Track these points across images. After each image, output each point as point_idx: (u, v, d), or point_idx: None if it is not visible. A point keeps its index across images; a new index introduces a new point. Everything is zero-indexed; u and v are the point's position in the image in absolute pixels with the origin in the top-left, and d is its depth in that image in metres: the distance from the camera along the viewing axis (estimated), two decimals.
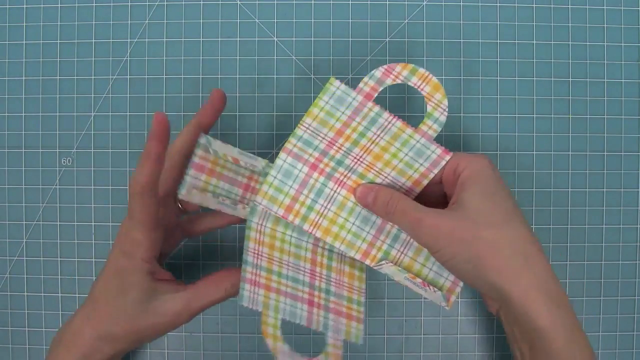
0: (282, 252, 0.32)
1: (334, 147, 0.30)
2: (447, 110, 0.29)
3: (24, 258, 0.36)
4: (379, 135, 0.29)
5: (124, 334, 0.28)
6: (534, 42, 0.36)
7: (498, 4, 0.36)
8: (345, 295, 0.32)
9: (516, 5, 0.36)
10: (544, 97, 0.36)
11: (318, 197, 0.30)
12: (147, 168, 0.26)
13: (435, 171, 0.29)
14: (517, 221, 0.27)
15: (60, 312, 0.36)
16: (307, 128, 0.29)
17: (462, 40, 0.36)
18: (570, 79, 0.36)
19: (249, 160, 0.30)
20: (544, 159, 0.36)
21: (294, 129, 0.29)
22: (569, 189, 0.36)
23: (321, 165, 0.30)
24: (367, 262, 0.31)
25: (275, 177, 0.30)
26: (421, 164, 0.29)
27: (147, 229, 0.28)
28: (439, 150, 0.29)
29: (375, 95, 0.29)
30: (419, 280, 0.30)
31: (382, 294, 0.36)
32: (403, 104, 0.36)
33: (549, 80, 0.36)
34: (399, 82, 0.29)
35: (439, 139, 0.36)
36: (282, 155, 0.30)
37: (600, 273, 0.36)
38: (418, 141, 0.29)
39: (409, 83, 0.29)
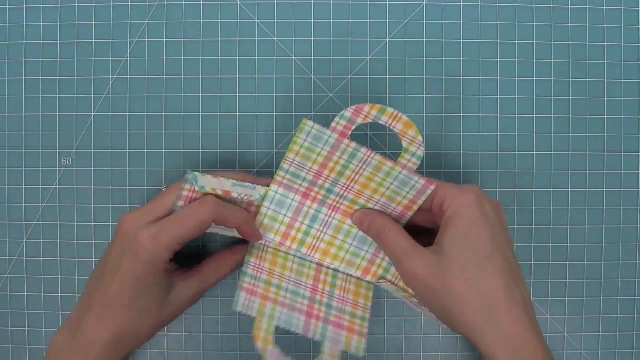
0: (284, 268, 0.32)
1: (322, 177, 0.30)
2: (423, 145, 0.29)
3: (24, 258, 0.36)
4: (361, 167, 0.29)
5: (145, 331, 0.29)
6: (534, 42, 0.36)
7: (498, 4, 0.36)
8: (348, 310, 0.32)
9: (516, 5, 0.36)
10: (544, 97, 0.36)
11: (313, 222, 0.31)
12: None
13: (423, 198, 0.29)
14: (492, 270, 0.26)
15: (60, 312, 0.36)
16: (292, 163, 0.30)
17: (462, 40, 0.36)
18: (570, 79, 0.36)
19: (245, 191, 0.30)
20: (544, 159, 0.36)
21: (280, 163, 0.30)
22: (569, 189, 0.36)
23: (312, 194, 0.31)
24: (368, 278, 0.31)
25: (268, 208, 0.31)
26: (408, 192, 0.29)
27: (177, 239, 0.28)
28: (422, 181, 0.29)
29: (349, 133, 0.29)
30: (415, 300, 0.30)
31: (382, 294, 0.36)
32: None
33: (549, 80, 0.36)
34: (370, 121, 0.29)
35: (440, 139, 0.36)
36: (274, 187, 0.31)
37: (600, 273, 0.36)
38: (400, 173, 0.29)
39: (380, 122, 0.29)
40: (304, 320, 0.31)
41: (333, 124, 0.29)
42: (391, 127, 0.29)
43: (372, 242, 0.31)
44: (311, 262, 0.32)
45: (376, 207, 0.30)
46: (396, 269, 0.28)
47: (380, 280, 0.31)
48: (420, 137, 0.29)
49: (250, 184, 0.30)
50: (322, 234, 0.31)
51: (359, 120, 0.29)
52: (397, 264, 0.28)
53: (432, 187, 0.29)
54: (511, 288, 0.26)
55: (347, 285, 0.32)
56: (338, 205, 0.31)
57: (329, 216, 0.31)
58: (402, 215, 0.30)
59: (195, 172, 0.29)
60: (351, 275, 0.32)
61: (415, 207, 0.30)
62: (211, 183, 0.29)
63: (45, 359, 0.29)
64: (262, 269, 0.32)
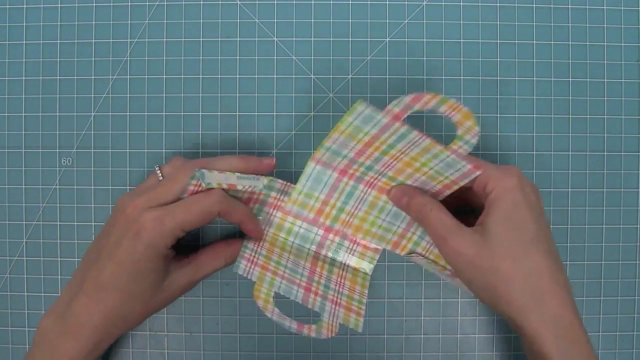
0: (283, 250, 0.32)
1: (364, 155, 0.30)
2: (478, 135, 0.28)
3: (24, 258, 0.36)
4: (409, 148, 0.29)
5: (137, 315, 0.29)
6: (534, 42, 0.36)
7: (498, 4, 0.36)
8: (345, 293, 0.32)
9: (516, 5, 0.36)
10: (544, 97, 0.36)
11: (349, 199, 0.31)
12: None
13: (466, 181, 0.29)
14: (537, 252, 0.26)
15: None
16: (335, 141, 0.29)
17: (462, 40, 0.36)
18: (570, 79, 0.36)
19: (249, 182, 0.30)
20: (544, 159, 0.36)
21: (322, 141, 0.29)
22: (569, 189, 0.36)
23: (351, 171, 0.31)
24: (398, 251, 0.31)
25: (305, 185, 0.31)
26: (452, 173, 0.29)
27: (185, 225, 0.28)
28: (469, 166, 0.28)
29: (404, 117, 0.28)
30: (447, 271, 0.30)
31: (382, 294, 0.36)
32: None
33: (549, 80, 0.36)
34: (429, 107, 0.28)
35: (440, 139, 0.36)
36: (311, 164, 0.30)
37: (600, 273, 0.36)
38: (448, 156, 0.28)
39: (438, 112, 0.28)
40: (302, 292, 0.31)
41: (389, 106, 0.28)
42: (448, 116, 0.28)
43: (404, 217, 0.31)
44: (309, 249, 0.32)
45: (415, 184, 0.30)
46: (438, 247, 0.28)
47: (412, 254, 0.31)
48: (476, 128, 0.28)
49: (254, 175, 0.31)
50: (357, 210, 0.31)
51: (417, 107, 0.28)
52: (440, 241, 0.28)
53: (478, 173, 0.28)
54: (556, 270, 0.26)
55: (344, 274, 0.32)
56: (375, 181, 0.31)
57: (365, 192, 0.31)
58: (439, 192, 0.30)
59: (203, 170, 0.29)
60: (348, 265, 0.32)
61: (455, 187, 0.29)
62: (217, 178, 0.29)
63: (33, 342, 0.29)
64: (261, 248, 0.32)
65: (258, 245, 0.32)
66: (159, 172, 0.31)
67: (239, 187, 0.29)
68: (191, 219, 0.28)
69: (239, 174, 0.30)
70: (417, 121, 0.35)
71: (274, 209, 0.33)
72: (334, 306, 0.31)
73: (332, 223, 0.31)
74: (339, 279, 0.32)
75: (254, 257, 0.31)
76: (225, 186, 0.29)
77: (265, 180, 0.31)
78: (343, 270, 0.33)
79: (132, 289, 0.28)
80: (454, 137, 0.29)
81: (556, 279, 0.26)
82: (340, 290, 0.32)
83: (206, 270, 0.31)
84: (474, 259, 0.27)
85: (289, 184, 0.32)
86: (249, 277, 0.31)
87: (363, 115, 0.28)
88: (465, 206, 0.31)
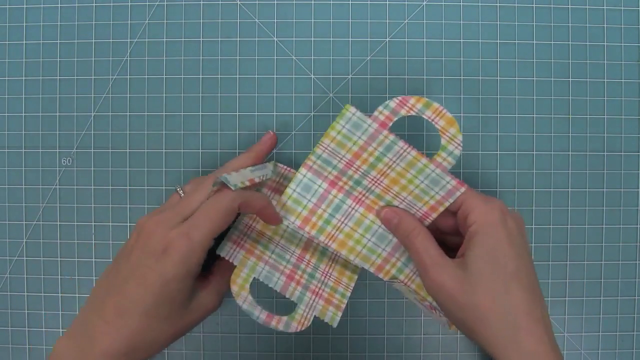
0: (275, 233, 0.32)
1: (352, 167, 0.30)
2: (461, 145, 0.29)
3: (24, 258, 0.36)
4: (394, 162, 0.29)
5: (161, 342, 0.27)
6: (534, 42, 0.36)
7: (498, 4, 0.36)
8: (330, 284, 0.32)
9: (516, 5, 0.36)
10: (544, 97, 0.36)
11: (336, 212, 0.31)
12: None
13: (451, 200, 0.29)
14: (516, 289, 0.26)
15: (60, 312, 0.36)
16: (326, 148, 0.30)
17: (462, 40, 0.36)
18: (570, 79, 0.36)
19: (261, 172, 0.30)
20: (544, 159, 0.36)
21: (314, 147, 0.30)
22: (569, 189, 0.36)
23: (340, 183, 0.31)
24: (381, 275, 0.31)
25: (294, 190, 0.31)
26: (437, 192, 0.29)
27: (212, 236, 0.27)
28: (454, 182, 0.29)
29: (390, 124, 0.29)
30: (426, 303, 0.30)
31: (382, 294, 0.36)
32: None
33: (549, 80, 0.36)
34: (413, 114, 0.29)
35: (440, 138, 0.36)
36: (303, 170, 0.31)
37: (600, 273, 0.36)
38: (433, 171, 0.29)
39: (423, 116, 0.29)
40: (283, 281, 0.31)
41: (375, 113, 0.29)
42: (434, 123, 0.29)
43: (390, 241, 0.31)
44: (301, 239, 0.32)
45: (402, 205, 0.30)
46: (420, 276, 0.28)
47: (393, 280, 0.31)
48: (460, 136, 0.29)
49: (261, 165, 0.31)
50: (343, 224, 0.31)
51: (403, 112, 0.29)
52: (422, 270, 0.28)
53: (463, 189, 0.29)
54: (534, 306, 0.26)
55: (333, 264, 0.32)
56: (363, 198, 0.31)
57: (353, 208, 0.31)
58: (427, 216, 0.30)
59: (224, 175, 0.28)
60: (339, 255, 0.32)
61: (441, 209, 0.30)
62: (239, 178, 0.29)
63: None
64: (252, 229, 0.32)
65: (249, 227, 0.32)
66: (180, 191, 0.30)
67: (257, 180, 0.30)
68: (216, 223, 0.27)
69: (251, 167, 0.30)
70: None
71: (272, 191, 0.33)
72: (313, 297, 0.31)
73: (317, 235, 0.31)
74: (327, 268, 0.32)
75: (242, 239, 0.31)
76: (248, 183, 0.29)
77: (271, 166, 0.31)
78: (333, 262, 0.33)
79: (159, 312, 0.26)
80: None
81: (533, 315, 0.26)
82: (325, 281, 0.32)
83: (228, 283, 0.31)
84: (454, 293, 0.27)
85: (289, 168, 0.33)
86: (231, 260, 0.31)
87: (352, 121, 0.28)
88: (450, 233, 0.31)
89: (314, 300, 0.31)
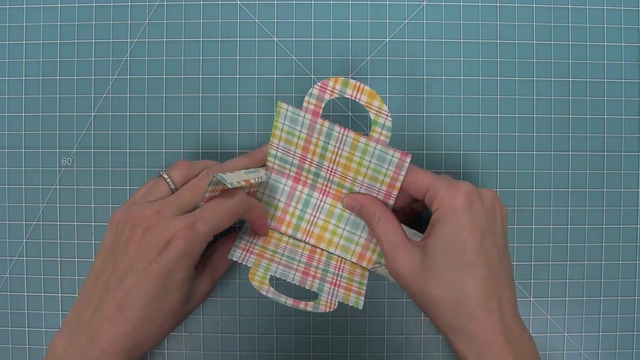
0: (280, 241, 0.32)
1: (307, 161, 0.30)
2: (390, 115, 0.28)
3: (24, 258, 0.36)
4: (339, 147, 0.29)
5: (163, 332, 0.28)
6: (534, 42, 0.36)
7: (498, 4, 0.36)
8: (345, 276, 0.32)
9: (516, 5, 0.36)
10: (544, 97, 0.36)
11: (306, 207, 0.32)
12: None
13: (403, 173, 0.29)
14: (470, 278, 0.26)
15: (60, 312, 0.36)
16: (277, 147, 0.30)
17: (462, 40, 0.36)
18: (570, 79, 0.36)
19: (255, 175, 0.30)
20: (544, 159, 0.36)
21: (267, 149, 0.31)
22: (569, 189, 0.36)
23: (302, 178, 0.31)
24: (364, 264, 0.32)
25: (263, 193, 0.32)
26: (387, 168, 0.29)
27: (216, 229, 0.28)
28: (398, 154, 0.29)
29: (320, 111, 0.29)
30: None
31: (382, 294, 0.36)
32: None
33: (549, 80, 0.36)
34: (336, 96, 0.29)
35: (440, 138, 0.36)
36: (267, 172, 0.31)
37: (600, 273, 0.36)
38: (375, 148, 0.29)
39: (346, 95, 0.29)
40: (300, 276, 0.30)
41: (304, 104, 0.29)
42: (357, 100, 0.29)
43: (363, 227, 0.32)
44: (304, 247, 0.32)
45: (362, 189, 0.30)
46: (383, 256, 0.29)
47: (376, 265, 0.32)
48: (385, 107, 0.28)
49: (255, 168, 0.31)
50: (316, 218, 0.32)
51: (327, 97, 0.29)
52: (384, 257, 0.29)
53: (409, 159, 0.28)
54: (488, 296, 0.26)
55: (342, 265, 0.32)
56: (327, 189, 0.31)
57: (321, 200, 0.31)
58: (388, 194, 0.30)
59: (220, 174, 0.28)
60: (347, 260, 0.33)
61: (398, 184, 0.29)
62: (235, 178, 0.29)
63: None
64: (257, 239, 0.32)
65: (254, 237, 0.32)
66: (167, 178, 0.29)
67: (252, 181, 0.30)
68: (221, 221, 0.27)
69: (245, 170, 0.30)
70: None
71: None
72: (333, 287, 0.31)
73: (294, 232, 0.31)
74: (338, 264, 0.32)
75: (250, 246, 0.31)
76: (244, 183, 0.29)
77: (263, 170, 0.32)
78: (341, 263, 0.33)
79: (162, 303, 0.26)
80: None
81: (487, 305, 0.26)
82: (340, 273, 0.32)
83: (221, 271, 0.31)
84: (408, 281, 0.27)
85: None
86: (244, 263, 0.30)
87: (288, 116, 0.29)
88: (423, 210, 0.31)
89: (334, 289, 0.31)
